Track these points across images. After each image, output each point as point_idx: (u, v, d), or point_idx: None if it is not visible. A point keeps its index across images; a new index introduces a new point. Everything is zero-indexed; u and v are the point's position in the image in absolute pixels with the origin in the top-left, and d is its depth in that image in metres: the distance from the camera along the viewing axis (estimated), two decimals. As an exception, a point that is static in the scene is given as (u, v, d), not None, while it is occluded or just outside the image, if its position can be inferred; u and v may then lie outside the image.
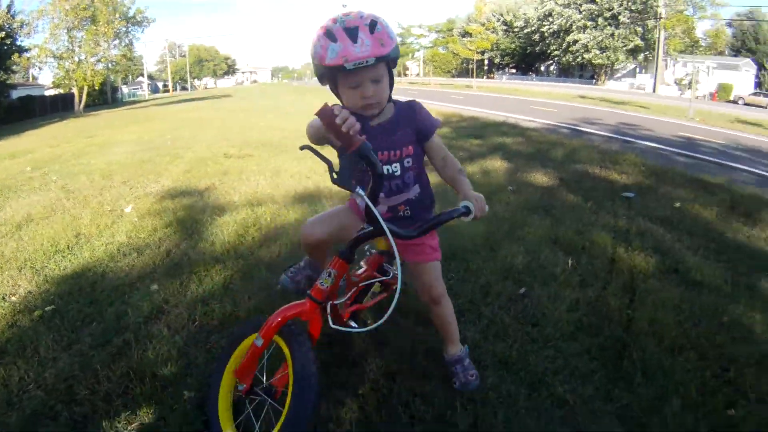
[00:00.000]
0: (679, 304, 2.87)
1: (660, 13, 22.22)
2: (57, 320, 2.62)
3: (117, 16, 32.31)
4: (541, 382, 2.10)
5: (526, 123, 12.23)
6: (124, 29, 33.43)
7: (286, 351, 1.72)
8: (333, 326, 1.82)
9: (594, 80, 59.13)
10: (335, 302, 1.87)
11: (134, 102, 46.52)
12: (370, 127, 1.80)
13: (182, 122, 13.77)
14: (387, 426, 1.86)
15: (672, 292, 3.02)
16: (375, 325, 1.75)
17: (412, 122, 1.87)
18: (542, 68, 72.79)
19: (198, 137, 9.95)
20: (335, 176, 1.63)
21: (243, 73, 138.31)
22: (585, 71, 63.41)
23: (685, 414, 1.92)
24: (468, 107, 16.93)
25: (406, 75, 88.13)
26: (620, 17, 52.41)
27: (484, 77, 74.33)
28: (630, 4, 51.27)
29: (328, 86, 1.81)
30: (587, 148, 8.07)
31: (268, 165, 6.53)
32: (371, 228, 1.73)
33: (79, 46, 31.25)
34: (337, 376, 2.11)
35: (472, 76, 52.83)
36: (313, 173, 5.91)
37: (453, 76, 78.90)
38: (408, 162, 1.89)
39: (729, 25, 77.82)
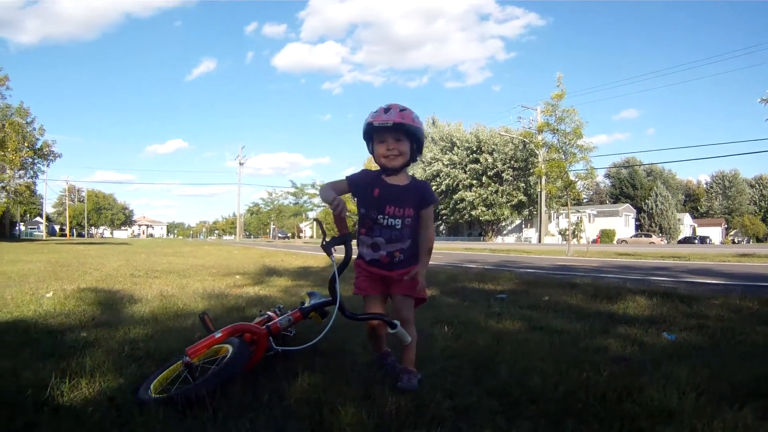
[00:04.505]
0: (539, 340, 3.56)
1: (540, 167, 25.10)
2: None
3: (26, 145, 31.74)
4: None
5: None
6: (30, 160, 32.86)
7: (227, 351, 2.46)
8: (275, 347, 2.73)
9: (482, 237, 63.21)
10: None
11: (32, 239, 50.96)
12: (386, 183, 2.64)
13: (87, 255, 15.37)
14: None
15: (534, 334, 3.78)
16: (309, 344, 2.69)
17: (419, 193, 2.67)
18: (432, 228, 77.19)
19: (105, 263, 11.39)
20: (324, 243, 2.51)
21: (140, 225, 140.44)
22: (473, 229, 68.11)
23: (545, 383, 2.54)
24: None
25: (300, 237, 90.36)
26: (504, 174, 57.72)
27: (378, 239, 76.97)
28: (513, 162, 56.92)
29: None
30: (467, 272, 9.08)
31: (175, 282, 7.37)
32: (329, 299, 2.70)
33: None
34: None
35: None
36: (217, 287, 6.77)
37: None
38: (408, 221, 2.64)
39: (607, 176, 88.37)
